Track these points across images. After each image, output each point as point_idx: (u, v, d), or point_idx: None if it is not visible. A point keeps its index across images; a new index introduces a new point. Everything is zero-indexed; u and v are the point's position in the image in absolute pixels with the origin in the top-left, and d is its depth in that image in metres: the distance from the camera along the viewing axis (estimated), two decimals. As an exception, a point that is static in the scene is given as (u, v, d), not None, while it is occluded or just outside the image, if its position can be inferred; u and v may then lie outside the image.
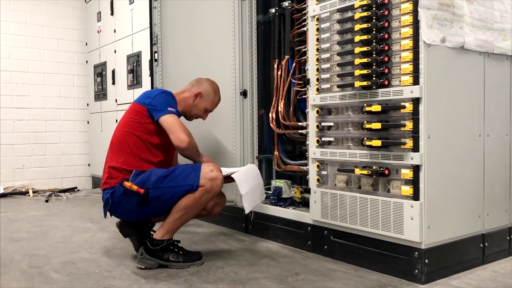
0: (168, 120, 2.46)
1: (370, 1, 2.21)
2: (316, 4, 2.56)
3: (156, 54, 3.58)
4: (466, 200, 2.32)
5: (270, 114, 3.12)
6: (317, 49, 2.57)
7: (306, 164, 2.79)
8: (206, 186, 2.39)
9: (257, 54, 3.18)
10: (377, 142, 2.19)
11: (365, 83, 2.23)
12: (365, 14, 2.24)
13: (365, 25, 2.23)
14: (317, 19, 2.57)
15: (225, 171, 2.58)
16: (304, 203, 3.00)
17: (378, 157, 2.25)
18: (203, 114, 2.77)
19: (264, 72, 3.26)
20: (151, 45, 3.59)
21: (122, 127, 2.59)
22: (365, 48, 2.23)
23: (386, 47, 2.20)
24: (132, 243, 2.65)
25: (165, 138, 2.57)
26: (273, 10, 3.14)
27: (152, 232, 2.68)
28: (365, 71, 2.23)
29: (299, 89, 2.91)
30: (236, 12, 3.08)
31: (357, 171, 2.28)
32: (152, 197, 2.38)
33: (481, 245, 2.39)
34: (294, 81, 2.97)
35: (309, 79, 2.65)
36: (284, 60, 3.04)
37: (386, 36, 2.20)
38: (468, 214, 2.33)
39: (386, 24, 2.20)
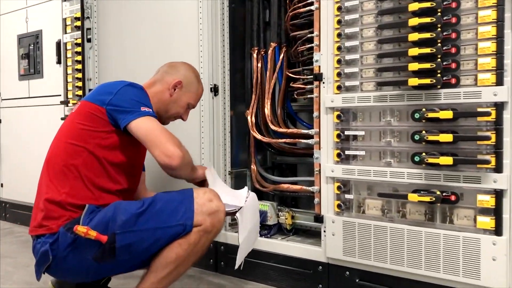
0: (144, 126, 1.64)
1: (433, -27, 1.67)
2: (338, -25, 1.95)
3: (89, 32, 2.62)
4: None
5: (249, 118, 2.42)
6: (338, 35, 1.96)
7: (310, 183, 2.17)
8: (205, 225, 1.63)
9: (229, 40, 2.46)
10: (446, 160, 1.65)
11: (427, 80, 1.68)
12: (425, -11, 1.69)
13: (428, 4, 1.67)
14: (339, -5, 1.96)
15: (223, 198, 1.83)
16: (294, 231, 2.39)
17: (439, 178, 1.72)
18: (185, 112, 1.96)
19: (235, 63, 2.55)
20: (82, 19, 2.61)
21: (66, 138, 1.69)
22: (427, 35, 1.68)
23: (454, 35, 1.68)
24: (75, 309, 1.77)
25: (133, 155, 1.76)
26: (251, -16, 2.45)
27: (107, 291, 1.84)
28: (427, 65, 1.68)
29: (299, 86, 2.26)
30: (205, -17, 2.33)
31: (413, 197, 1.72)
32: (120, 247, 1.56)
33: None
34: (290, 74, 2.32)
35: (321, 73, 2.02)
36: (270, 48, 2.37)
37: (455, 20, 1.67)
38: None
39: (453, 5, 1.67)
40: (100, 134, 1.68)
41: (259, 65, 2.42)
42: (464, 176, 1.67)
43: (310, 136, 2.12)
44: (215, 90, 2.38)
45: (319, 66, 2.03)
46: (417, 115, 1.73)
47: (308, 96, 2.15)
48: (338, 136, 1.96)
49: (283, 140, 2.31)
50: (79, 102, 1.81)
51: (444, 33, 1.68)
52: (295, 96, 2.33)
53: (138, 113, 1.64)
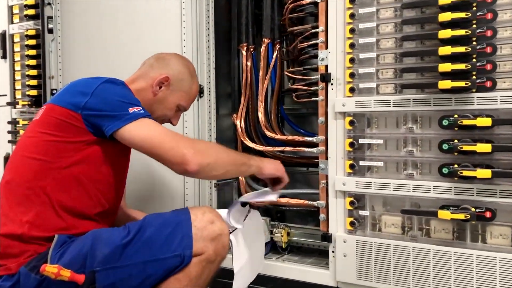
0: (140, 133, 1.33)
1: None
2: (349, -38, 1.73)
3: (51, 21, 2.20)
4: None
5: (237, 122, 2.15)
6: (351, 30, 1.73)
7: (310, 196, 1.94)
8: (207, 253, 1.35)
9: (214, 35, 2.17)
10: (484, 173, 1.47)
11: (461, 83, 1.49)
12: (458, -19, 1.50)
13: (461, -3, 1.49)
14: (350, -14, 1.73)
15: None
16: (289, 249, 2.15)
17: (472, 192, 1.54)
18: (174, 115, 1.64)
19: (219, 60, 2.26)
20: (42, 5, 2.18)
21: (29, 153, 1.35)
22: (461, 32, 1.49)
23: (490, 33, 1.50)
24: None
25: (119, 166, 1.46)
26: (239, -28, 2.18)
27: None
28: (461, 66, 1.49)
29: (299, 87, 2.01)
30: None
31: (445, 214, 1.53)
32: (102, 287, 1.25)
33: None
34: (289, 74, 2.07)
35: (329, 74, 1.79)
36: (263, 45, 2.11)
37: (490, 16, 1.50)
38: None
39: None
40: (76, 146, 1.35)
41: (249, 63, 2.15)
42: (501, 190, 1.50)
43: (314, 144, 1.88)
44: (200, 91, 2.09)
45: (326, 66, 1.80)
46: (445, 122, 1.54)
47: (312, 99, 1.92)
48: (351, 144, 1.74)
49: (281, 148, 2.05)
50: (44, 105, 1.47)
51: (478, 31, 1.51)
52: (295, 99, 2.09)
53: (128, 117, 1.32)
